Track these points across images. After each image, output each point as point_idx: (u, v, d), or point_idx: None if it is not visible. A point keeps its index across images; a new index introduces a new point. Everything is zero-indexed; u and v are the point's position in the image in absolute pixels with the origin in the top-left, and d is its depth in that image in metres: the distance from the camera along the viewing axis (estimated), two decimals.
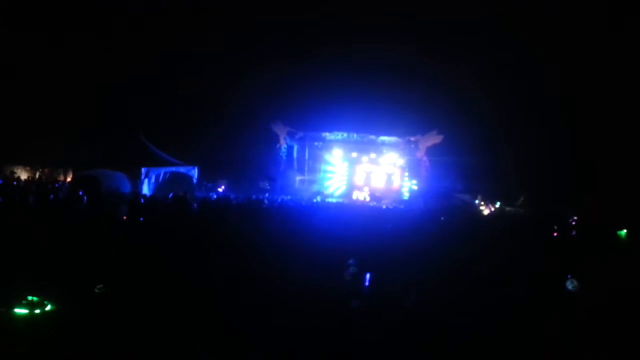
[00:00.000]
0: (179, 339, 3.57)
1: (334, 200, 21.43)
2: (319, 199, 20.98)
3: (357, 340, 3.98)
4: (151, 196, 13.04)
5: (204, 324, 3.87)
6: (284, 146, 23.75)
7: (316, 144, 24.16)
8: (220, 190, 20.36)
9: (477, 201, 20.69)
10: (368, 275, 5.50)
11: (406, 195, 23.11)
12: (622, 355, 4.03)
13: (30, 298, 3.90)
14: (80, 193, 10.78)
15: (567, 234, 10.76)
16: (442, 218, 13.53)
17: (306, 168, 23.94)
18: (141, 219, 8.96)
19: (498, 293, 4.97)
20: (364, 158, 23.62)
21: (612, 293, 4.85)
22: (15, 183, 13.46)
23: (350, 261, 5.87)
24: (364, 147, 23.76)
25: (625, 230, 8.87)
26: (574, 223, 12.57)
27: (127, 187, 14.41)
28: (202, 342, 3.62)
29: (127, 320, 3.76)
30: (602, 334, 4.14)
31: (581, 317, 4.44)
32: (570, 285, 5.11)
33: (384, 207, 18.99)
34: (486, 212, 19.02)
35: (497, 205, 20.02)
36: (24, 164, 17.60)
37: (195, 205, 11.67)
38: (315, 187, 23.29)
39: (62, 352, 3.37)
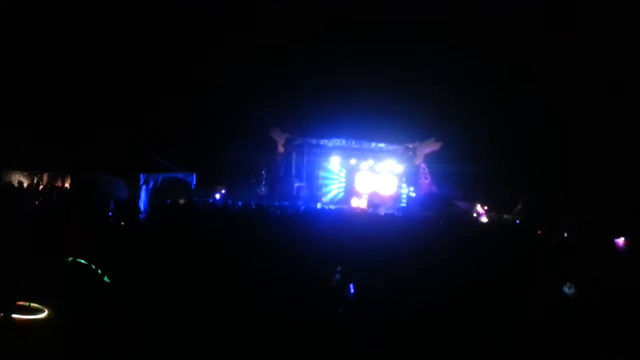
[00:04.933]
0: (178, 341, 3.59)
1: (332, 207, 21.46)
2: (319, 205, 21.03)
3: (344, 345, 4.01)
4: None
5: (200, 325, 3.89)
6: (282, 153, 23.79)
7: (314, 150, 24.24)
8: (217, 196, 20.39)
9: (475, 209, 20.74)
10: (353, 284, 5.54)
11: (404, 202, 23.15)
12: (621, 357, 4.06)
13: (28, 304, 3.90)
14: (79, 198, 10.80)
15: (564, 239, 10.81)
16: (440, 224, 13.57)
17: (304, 175, 23.97)
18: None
19: (494, 301, 5.00)
20: (363, 165, 23.69)
21: (609, 297, 4.88)
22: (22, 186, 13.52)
23: (338, 268, 5.93)
24: (362, 154, 23.84)
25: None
26: (571, 229, 12.61)
27: (125, 193, 14.41)
28: (200, 343, 3.64)
29: (127, 324, 3.77)
30: (600, 338, 4.16)
31: (579, 321, 4.47)
32: (567, 290, 5.14)
33: (382, 214, 19.02)
34: (484, 219, 19.07)
35: (494, 212, 20.07)
36: (22, 169, 17.57)
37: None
38: (313, 194, 23.33)
39: (62, 357, 3.37)
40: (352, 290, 5.43)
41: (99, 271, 4.46)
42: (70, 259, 4.49)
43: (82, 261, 4.47)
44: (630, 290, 5.24)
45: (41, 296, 4.00)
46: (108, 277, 4.53)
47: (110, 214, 9.83)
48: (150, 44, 21.02)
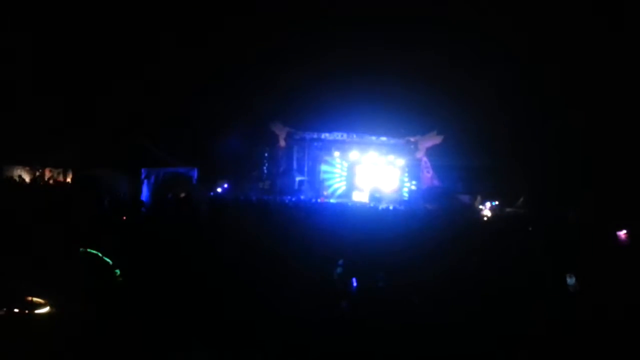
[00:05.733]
0: (179, 339, 3.59)
1: (333, 200, 21.47)
2: (320, 199, 21.03)
3: (348, 339, 4.01)
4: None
5: (202, 323, 3.89)
6: (283, 147, 23.77)
7: (316, 144, 24.22)
8: (219, 190, 20.40)
9: (477, 202, 20.70)
10: (356, 277, 5.55)
11: (406, 196, 23.13)
12: (620, 353, 4.04)
13: (29, 299, 3.90)
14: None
15: (565, 233, 10.78)
16: (441, 218, 13.55)
17: (306, 169, 23.96)
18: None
19: (495, 294, 4.98)
20: (364, 159, 23.66)
21: (610, 290, 4.87)
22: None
23: (339, 262, 5.94)
24: (363, 148, 23.79)
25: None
26: (574, 222, 12.59)
27: (126, 188, 14.42)
28: (201, 341, 3.63)
29: (127, 321, 3.77)
30: (600, 331, 4.15)
31: (580, 313, 4.46)
32: (568, 281, 5.13)
33: (382, 207, 19.00)
34: (486, 213, 19.03)
35: (497, 206, 20.03)
36: (23, 164, 17.57)
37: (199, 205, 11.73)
38: (315, 188, 23.34)
39: (61, 354, 3.37)
40: (354, 284, 5.43)
41: (111, 263, 4.45)
42: (82, 249, 4.48)
43: (95, 252, 4.46)
44: (632, 283, 5.22)
45: (43, 290, 4.00)
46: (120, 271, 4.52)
47: (106, 209, 9.83)
48: (151, 36, 20.93)
